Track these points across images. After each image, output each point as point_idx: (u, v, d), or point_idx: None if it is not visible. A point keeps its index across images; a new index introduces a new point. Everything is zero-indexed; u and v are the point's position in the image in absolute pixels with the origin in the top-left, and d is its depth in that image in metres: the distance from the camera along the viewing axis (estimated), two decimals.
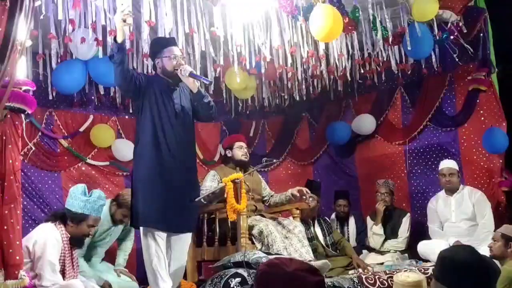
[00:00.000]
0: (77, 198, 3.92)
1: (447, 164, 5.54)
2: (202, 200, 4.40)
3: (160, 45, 4.10)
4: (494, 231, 4.58)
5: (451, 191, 5.49)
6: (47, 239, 3.76)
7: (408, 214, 6.05)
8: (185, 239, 4.14)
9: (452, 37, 5.42)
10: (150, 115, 3.97)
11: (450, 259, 2.38)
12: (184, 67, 3.99)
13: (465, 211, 5.35)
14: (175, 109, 4.03)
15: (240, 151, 5.20)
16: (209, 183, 4.99)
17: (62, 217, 3.95)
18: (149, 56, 4.51)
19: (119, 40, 3.74)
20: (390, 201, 6.08)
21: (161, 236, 3.91)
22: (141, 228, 3.92)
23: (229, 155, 5.25)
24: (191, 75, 3.96)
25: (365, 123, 6.82)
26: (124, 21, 3.71)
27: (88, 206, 3.92)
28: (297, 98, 6.47)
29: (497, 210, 5.38)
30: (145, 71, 5.39)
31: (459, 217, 5.38)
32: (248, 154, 5.26)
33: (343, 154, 7.21)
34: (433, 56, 5.58)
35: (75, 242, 3.98)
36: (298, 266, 1.90)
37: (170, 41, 4.14)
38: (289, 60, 5.29)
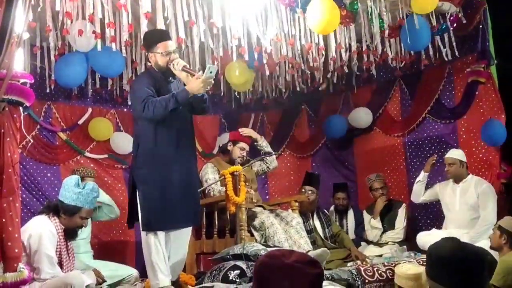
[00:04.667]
0: (70, 190, 3.88)
1: (449, 154, 5.57)
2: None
3: (153, 39, 4.00)
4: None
5: (456, 180, 5.51)
6: (42, 233, 3.73)
7: (404, 205, 6.08)
8: (186, 232, 4.13)
9: (451, 29, 5.41)
10: None
11: (435, 254, 2.35)
12: (177, 61, 3.93)
13: (469, 200, 5.35)
14: None
15: (239, 152, 5.20)
16: (212, 175, 4.99)
17: (55, 208, 3.93)
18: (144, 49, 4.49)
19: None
20: (387, 193, 6.10)
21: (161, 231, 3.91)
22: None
23: (229, 148, 5.25)
24: (184, 69, 3.90)
25: (362, 116, 6.83)
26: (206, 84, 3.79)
27: (81, 199, 3.87)
28: (297, 89, 6.47)
29: (496, 202, 5.38)
30: (143, 63, 5.38)
31: (462, 206, 5.38)
32: (244, 158, 5.25)
33: (340, 147, 7.23)
34: (430, 49, 5.57)
35: (68, 234, 3.95)
36: (297, 258, 1.89)
37: (164, 35, 4.04)
38: (289, 52, 5.28)
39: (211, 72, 3.75)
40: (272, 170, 5.59)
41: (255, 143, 5.42)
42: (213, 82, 3.88)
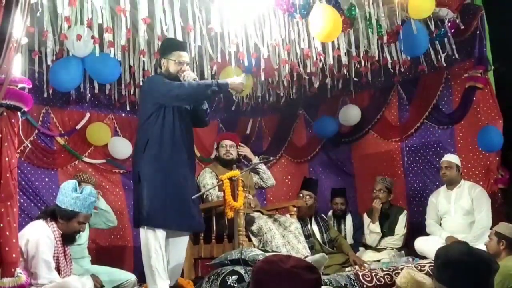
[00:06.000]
0: (67, 194, 3.86)
1: (446, 157, 5.58)
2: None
3: (170, 46, 4.15)
4: (491, 228, 4.59)
5: (451, 185, 5.51)
6: (39, 238, 3.71)
7: (405, 212, 6.04)
8: (184, 237, 4.17)
9: (449, 34, 5.42)
10: (160, 116, 4.01)
11: (443, 257, 2.37)
12: (188, 73, 4.06)
13: (464, 205, 5.36)
14: (180, 109, 4.10)
15: (222, 149, 5.23)
16: (210, 180, 5.00)
17: (53, 213, 3.92)
18: (158, 53, 4.59)
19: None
20: (386, 198, 6.05)
21: (162, 234, 3.92)
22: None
23: (216, 152, 5.36)
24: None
25: (350, 113, 6.85)
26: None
27: (79, 203, 3.85)
28: (295, 96, 6.47)
29: (493, 207, 5.38)
30: (141, 68, 5.38)
31: (457, 211, 5.39)
32: (232, 153, 5.23)
33: (337, 152, 7.24)
34: (432, 53, 5.58)
35: (66, 239, 3.94)
36: (295, 263, 1.89)
37: (181, 46, 4.19)
38: (287, 57, 5.28)
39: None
40: (270, 187, 5.59)
41: (249, 163, 5.41)
42: (243, 90, 4.18)
